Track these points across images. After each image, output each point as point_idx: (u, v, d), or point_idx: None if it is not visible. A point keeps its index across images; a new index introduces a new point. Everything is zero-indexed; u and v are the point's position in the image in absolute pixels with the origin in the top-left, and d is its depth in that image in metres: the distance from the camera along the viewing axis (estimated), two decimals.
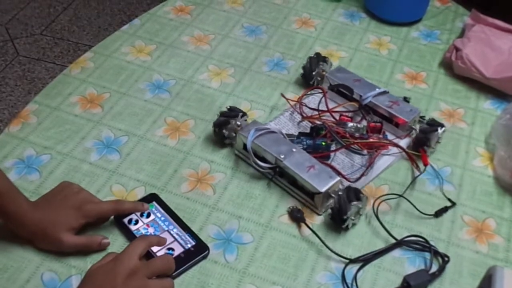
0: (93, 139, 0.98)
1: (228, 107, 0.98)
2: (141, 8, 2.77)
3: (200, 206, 0.88)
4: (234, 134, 0.96)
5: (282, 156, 0.89)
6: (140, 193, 0.89)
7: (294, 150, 0.90)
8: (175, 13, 1.29)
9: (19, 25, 2.66)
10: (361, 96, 1.02)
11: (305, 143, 0.94)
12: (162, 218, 0.85)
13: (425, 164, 0.95)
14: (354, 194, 0.84)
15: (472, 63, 1.11)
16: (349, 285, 0.80)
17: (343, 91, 1.05)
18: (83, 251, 0.80)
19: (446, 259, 0.83)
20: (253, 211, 0.88)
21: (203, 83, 1.11)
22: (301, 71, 1.11)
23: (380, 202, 0.90)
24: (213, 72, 1.14)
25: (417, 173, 0.95)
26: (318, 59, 1.08)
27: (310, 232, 0.86)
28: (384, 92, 1.02)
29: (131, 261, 0.71)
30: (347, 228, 0.86)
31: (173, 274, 0.77)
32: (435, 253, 0.84)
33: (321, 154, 0.93)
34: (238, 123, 0.95)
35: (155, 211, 0.86)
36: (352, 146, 0.95)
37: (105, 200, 0.85)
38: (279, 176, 0.91)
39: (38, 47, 2.53)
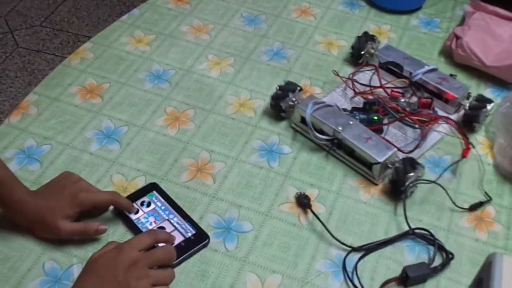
0: (93, 129, 0.98)
1: (286, 81, 1.02)
2: None
3: (200, 195, 0.89)
4: (290, 108, 0.99)
5: (340, 128, 0.92)
6: (141, 182, 0.90)
7: (351, 122, 0.93)
8: (174, 3, 1.29)
9: (18, 16, 2.66)
10: (411, 73, 1.05)
11: (358, 117, 0.97)
12: (163, 207, 0.85)
13: (464, 156, 0.96)
14: (410, 164, 0.88)
15: (472, 51, 1.11)
16: (349, 273, 0.80)
17: (392, 69, 1.08)
18: (81, 238, 0.80)
19: (450, 256, 0.82)
20: (253, 200, 0.89)
21: (203, 73, 1.11)
22: (350, 50, 1.13)
23: (412, 189, 0.90)
24: (212, 62, 1.14)
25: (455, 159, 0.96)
26: (366, 38, 1.11)
27: (310, 220, 0.86)
28: (433, 70, 1.05)
29: (133, 252, 0.71)
30: (404, 194, 0.88)
31: (174, 263, 0.78)
32: (440, 247, 0.83)
33: (375, 127, 0.96)
34: (294, 99, 0.99)
35: (155, 201, 0.86)
36: (405, 119, 0.99)
37: (102, 190, 0.86)
38: (337, 148, 0.95)
39: (37, 39, 2.53)
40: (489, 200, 0.91)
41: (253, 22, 1.25)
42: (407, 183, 0.87)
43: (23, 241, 0.81)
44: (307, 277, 0.79)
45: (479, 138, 1.02)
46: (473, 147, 0.99)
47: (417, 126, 0.99)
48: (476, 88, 1.11)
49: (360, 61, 1.12)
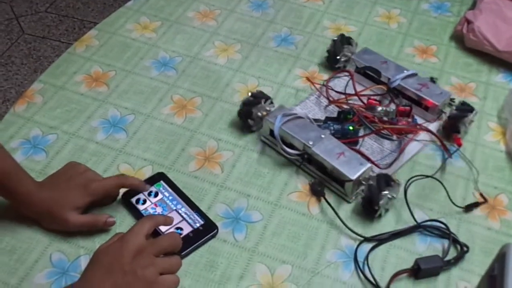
0: (99, 118, 0.97)
1: (250, 94, 0.95)
2: None
3: (208, 184, 0.88)
4: (260, 119, 0.93)
5: (311, 143, 0.87)
6: (148, 172, 0.89)
7: (323, 136, 0.88)
8: None
9: (23, 2, 2.64)
10: (389, 78, 0.99)
11: (332, 128, 0.92)
12: (170, 198, 0.84)
13: (459, 145, 0.93)
14: (385, 181, 0.82)
15: (484, 35, 1.09)
16: (361, 264, 0.79)
17: (370, 74, 1.02)
18: (90, 230, 0.80)
19: (465, 249, 0.81)
20: (262, 189, 0.88)
21: (210, 60, 1.09)
22: (326, 54, 1.08)
23: (410, 184, 0.88)
24: (219, 49, 1.12)
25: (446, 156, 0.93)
26: (342, 42, 1.05)
27: (320, 210, 0.85)
28: (413, 75, 1.00)
29: (137, 240, 0.70)
30: (380, 216, 0.84)
31: (182, 253, 0.77)
32: (454, 240, 0.82)
33: (350, 140, 0.91)
34: (267, 108, 0.93)
35: (163, 191, 0.85)
36: (382, 131, 0.93)
37: (108, 177, 0.85)
38: (307, 163, 0.89)
39: (43, 25, 2.52)
40: (484, 202, 0.88)
41: (260, 7, 1.23)
42: (380, 202, 0.82)
43: (30, 232, 0.80)
44: (317, 267, 0.79)
45: (491, 125, 1.00)
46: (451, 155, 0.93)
47: (394, 137, 0.93)
48: (488, 74, 1.10)
49: (336, 66, 1.06)
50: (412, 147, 0.94)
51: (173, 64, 1.08)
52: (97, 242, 0.79)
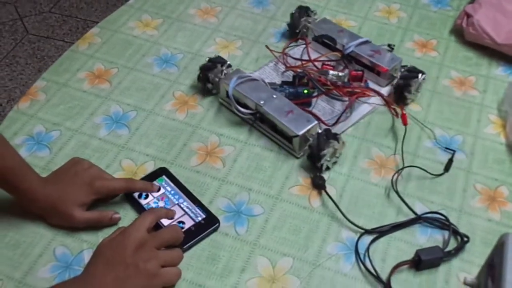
0: (102, 114, 0.98)
1: (208, 59, 1.01)
2: None
3: (210, 179, 0.88)
4: (218, 81, 0.99)
5: (262, 102, 0.92)
6: (150, 167, 0.89)
7: (274, 96, 0.93)
8: None
9: (27, 3, 2.66)
10: (343, 46, 1.03)
11: (287, 91, 0.97)
12: (172, 192, 0.85)
13: (405, 124, 0.94)
14: (331, 135, 0.87)
15: (483, 29, 1.09)
16: (361, 256, 0.79)
17: (326, 42, 1.07)
18: (94, 226, 0.81)
19: (465, 239, 0.81)
20: (263, 183, 0.88)
21: (211, 56, 1.10)
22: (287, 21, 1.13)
23: (399, 175, 0.89)
24: (220, 45, 1.13)
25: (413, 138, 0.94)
26: (301, 14, 1.10)
27: (321, 203, 0.86)
28: (367, 42, 1.04)
29: (139, 233, 0.71)
30: (321, 169, 0.88)
31: (184, 247, 0.78)
32: (454, 231, 0.83)
33: (302, 101, 0.96)
34: (225, 71, 0.99)
35: (165, 185, 0.86)
36: (333, 92, 0.98)
37: (116, 177, 0.86)
38: (260, 122, 0.95)
39: (47, 25, 2.53)
40: (453, 153, 0.92)
41: (261, 3, 1.24)
42: (323, 157, 0.86)
43: (34, 227, 0.81)
44: (318, 259, 0.79)
45: (491, 117, 1.00)
46: (404, 112, 0.96)
47: (346, 99, 0.98)
48: (488, 67, 1.10)
49: (297, 31, 1.11)
50: (363, 109, 0.99)
51: (175, 61, 1.09)
52: (100, 236, 0.80)
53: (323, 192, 0.86)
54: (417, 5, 1.25)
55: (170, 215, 0.81)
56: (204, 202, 0.84)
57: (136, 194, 0.85)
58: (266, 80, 0.98)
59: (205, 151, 0.93)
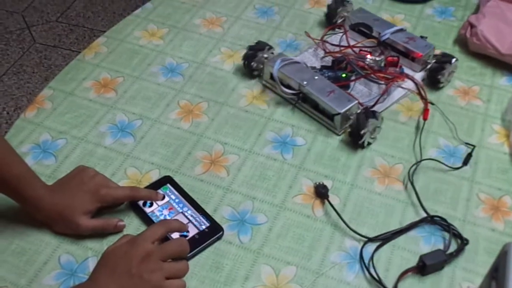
0: (107, 123, 0.99)
1: (256, 41, 1.07)
2: None
3: (214, 187, 0.89)
4: (261, 66, 1.05)
5: (305, 83, 0.98)
6: (155, 175, 0.90)
7: (316, 77, 0.99)
8: None
9: (35, 12, 2.68)
10: (379, 33, 1.09)
11: (327, 75, 1.02)
12: (177, 200, 0.86)
13: (425, 119, 0.99)
14: (371, 113, 0.92)
15: (487, 39, 1.09)
16: (366, 264, 0.80)
17: (363, 30, 1.13)
18: (99, 234, 0.81)
19: (465, 242, 0.82)
20: (267, 192, 0.89)
21: (216, 66, 1.11)
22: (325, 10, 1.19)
23: (415, 170, 0.92)
24: (225, 55, 1.14)
25: (423, 143, 0.95)
26: (338, 2, 1.16)
27: (324, 212, 0.86)
28: (401, 30, 1.10)
29: (146, 244, 0.72)
30: (363, 146, 0.94)
31: (188, 255, 0.78)
32: (454, 234, 0.83)
33: (341, 83, 1.01)
34: (265, 55, 1.04)
35: (170, 194, 0.87)
36: (370, 76, 1.03)
37: (121, 186, 0.86)
38: (302, 102, 1.00)
39: (54, 34, 2.55)
40: (473, 148, 0.95)
41: (266, 14, 1.25)
42: (365, 132, 0.91)
43: (39, 234, 0.81)
44: (322, 268, 0.79)
45: (495, 127, 1.01)
46: (432, 104, 1.02)
47: (382, 83, 1.03)
48: (492, 77, 1.10)
49: (334, 21, 1.17)
50: (397, 93, 1.04)
51: (180, 70, 1.10)
52: (105, 244, 0.80)
53: (326, 201, 0.87)
54: (421, 16, 1.25)
55: (183, 230, 0.80)
56: (208, 210, 0.85)
57: (140, 203, 0.85)
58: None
59: (210, 160, 0.93)
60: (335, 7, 1.16)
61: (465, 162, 0.93)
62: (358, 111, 0.94)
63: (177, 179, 0.89)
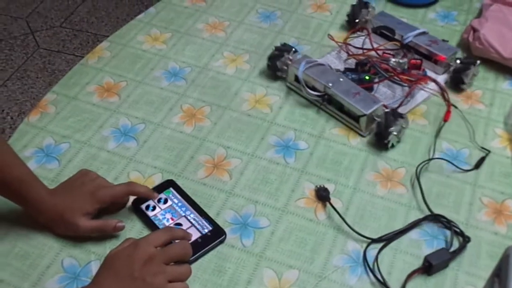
0: (110, 127, 0.99)
1: (282, 43, 1.08)
2: None
3: (217, 191, 0.89)
4: (286, 67, 1.05)
5: (331, 84, 0.98)
6: (157, 179, 0.90)
7: (341, 79, 1.00)
8: (190, 1, 1.30)
9: (39, 18, 2.69)
10: (402, 36, 1.10)
11: (350, 77, 1.03)
12: (179, 204, 0.86)
13: (445, 120, 1.00)
14: (395, 114, 0.93)
15: (490, 43, 1.09)
16: (371, 266, 0.80)
17: (385, 33, 1.14)
18: (100, 235, 0.81)
19: (467, 239, 0.83)
20: (270, 195, 0.89)
21: (219, 70, 1.11)
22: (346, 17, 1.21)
23: (422, 167, 0.93)
24: (228, 59, 1.14)
25: (440, 144, 0.95)
26: (360, 6, 1.17)
27: (326, 216, 0.86)
28: (424, 33, 1.11)
29: (149, 248, 0.72)
30: (387, 146, 0.94)
31: (191, 259, 0.78)
32: (455, 232, 0.84)
33: (365, 85, 1.02)
34: (290, 57, 1.05)
35: (172, 197, 0.87)
36: (394, 78, 1.04)
37: (118, 184, 0.86)
38: (327, 103, 1.01)
39: (58, 39, 2.56)
40: (488, 153, 0.95)
41: (268, 18, 1.25)
42: (391, 133, 0.92)
43: (42, 238, 0.82)
44: (324, 272, 0.79)
45: (497, 131, 1.01)
46: (455, 107, 1.03)
47: (405, 85, 1.04)
48: (495, 81, 1.10)
49: (355, 27, 1.18)
50: (420, 95, 1.05)
51: (183, 75, 1.10)
52: (108, 247, 0.80)
53: (329, 205, 0.87)
54: (424, 20, 1.25)
55: (187, 237, 0.80)
56: (211, 214, 0.85)
57: (143, 206, 0.85)
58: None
59: (212, 164, 0.93)
60: (358, 10, 1.17)
61: (477, 165, 0.93)
62: (383, 112, 0.95)
63: (180, 183, 0.89)
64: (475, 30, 1.13)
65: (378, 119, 0.94)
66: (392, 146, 0.95)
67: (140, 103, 1.04)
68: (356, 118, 0.97)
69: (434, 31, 1.22)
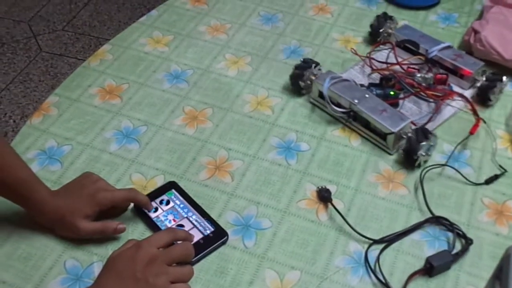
0: (112, 129, 0.99)
1: (302, 59, 1.06)
2: (161, 1, 2.78)
3: (219, 193, 0.89)
4: (309, 83, 1.03)
5: (356, 101, 0.96)
6: (160, 181, 0.91)
7: (367, 96, 0.97)
8: (192, 3, 1.30)
9: (41, 21, 2.70)
10: (427, 50, 1.08)
11: (375, 92, 1.00)
12: (181, 206, 0.86)
13: (471, 133, 0.98)
14: (423, 133, 0.91)
15: (491, 45, 1.10)
16: (372, 267, 0.80)
17: (409, 47, 1.12)
18: (101, 237, 0.82)
19: (469, 242, 0.83)
20: (271, 197, 0.89)
21: (220, 72, 1.12)
22: (369, 29, 1.18)
23: (427, 172, 0.92)
24: (230, 61, 1.14)
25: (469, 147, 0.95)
26: (385, 18, 1.16)
27: (328, 217, 0.86)
28: (449, 47, 1.09)
29: (151, 249, 0.72)
30: (415, 163, 0.92)
31: (193, 260, 0.78)
32: (458, 235, 0.84)
33: (391, 101, 0.99)
34: (314, 72, 1.03)
35: (174, 199, 0.87)
36: (420, 94, 1.02)
37: (119, 188, 0.87)
38: (353, 120, 0.98)
39: (60, 43, 2.57)
40: (504, 172, 0.93)
41: (270, 20, 1.25)
42: (419, 152, 0.90)
43: (44, 240, 0.82)
44: (326, 273, 0.80)
45: (499, 132, 1.01)
46: (484, 122, 1.00)
47: (431, 100, 1.02)
48: None
49: (378, 39, 1.16)
50: (447, 111, 1.03)
51: (185, 77, 1.11)
52: (110, 248, 0.81)
53: (331, 206, 0.87)
54: (425, 22, 1.26)
55: (189, 239, 0.80)
56: (213, 215, 0.85)
57: None
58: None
59: (214, 166, 0.94)
60: (381, 22, 1.15)
61: (488, 181, 0.92)
62: (411, 130, 0.93)
63: (182, 184, 0.89)
64: (476, 32, 1.13)
65: (406, 135, 0.92)
66: (419, 165, 0.93)
67: (142, 105, 1.04)
68: (383, 136, 0.94)
69: (435, 33, 1.22)
